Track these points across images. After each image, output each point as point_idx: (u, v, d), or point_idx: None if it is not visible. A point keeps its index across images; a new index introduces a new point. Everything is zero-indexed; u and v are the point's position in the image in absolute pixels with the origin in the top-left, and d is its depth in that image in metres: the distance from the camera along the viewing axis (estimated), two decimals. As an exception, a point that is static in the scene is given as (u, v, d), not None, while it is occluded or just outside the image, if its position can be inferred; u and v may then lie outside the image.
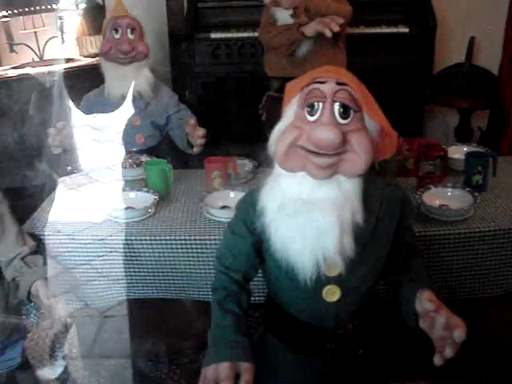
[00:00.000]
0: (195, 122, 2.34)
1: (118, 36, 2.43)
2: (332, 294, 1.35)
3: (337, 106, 1.22)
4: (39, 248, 1.83)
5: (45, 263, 1.80)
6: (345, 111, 1.22)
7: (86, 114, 2.45)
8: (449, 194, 2.03)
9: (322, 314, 1.38)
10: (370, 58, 3.46)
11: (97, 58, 2.77)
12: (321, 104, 1.23)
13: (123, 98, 2.45)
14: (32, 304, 1.81)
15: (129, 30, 2.43)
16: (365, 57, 3.34)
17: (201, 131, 2.30)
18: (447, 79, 3.82)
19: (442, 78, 3.81)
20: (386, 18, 3.62)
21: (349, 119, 1.23)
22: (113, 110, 2.44)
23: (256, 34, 2.95)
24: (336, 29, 2.44)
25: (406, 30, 3.55)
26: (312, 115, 1.23)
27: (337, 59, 2.72)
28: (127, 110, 2.44)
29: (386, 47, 3.55)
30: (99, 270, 1.93)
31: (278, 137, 1.27)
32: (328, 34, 2.44)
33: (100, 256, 1.91)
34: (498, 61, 3.65)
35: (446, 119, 3.85)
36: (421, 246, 1.69)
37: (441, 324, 1.21)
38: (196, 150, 2.37)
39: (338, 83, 1.24)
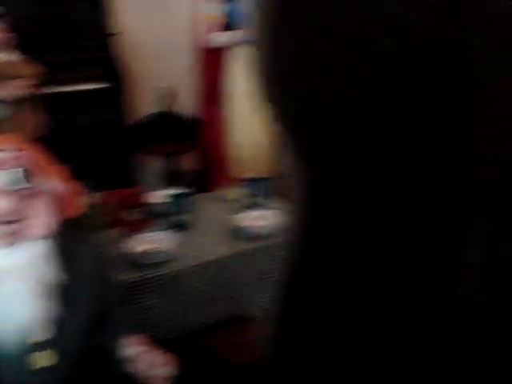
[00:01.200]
0: None
1: None
2: (42, 359, 1.34)
3: (12, 173, 1.23)
4: None
5: None
6: (23, 177, 1.24)
7: None
8: (154, 237, 2.14)
9: (35, 382, 1.35)
10: (70, 115, 3.46)
11: None
12: (-4, 173, 1.23)
13: None
14: None
15: None
16: (64, 114, 3.33)
17: None
18: (150, 128, 4.00)
19: (145, 127, 3.98)
20: (82, 74, 3.66)
21: (27, 185, 1.25)
22: None
23: None
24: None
25: (101, 85, 3.64)
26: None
27: (31, 121, 2.71)
28: None
29: (85, 103, 3.60)
30: None
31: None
32: (12, 96, 2.43)
33: None
34: (193, 105, 3.94)
35: (154, 165, 4.00)
36: (131, 291, 1.76)
37: (147, 365, 1.29)
38: None
39: (15, 150, 1.26)
